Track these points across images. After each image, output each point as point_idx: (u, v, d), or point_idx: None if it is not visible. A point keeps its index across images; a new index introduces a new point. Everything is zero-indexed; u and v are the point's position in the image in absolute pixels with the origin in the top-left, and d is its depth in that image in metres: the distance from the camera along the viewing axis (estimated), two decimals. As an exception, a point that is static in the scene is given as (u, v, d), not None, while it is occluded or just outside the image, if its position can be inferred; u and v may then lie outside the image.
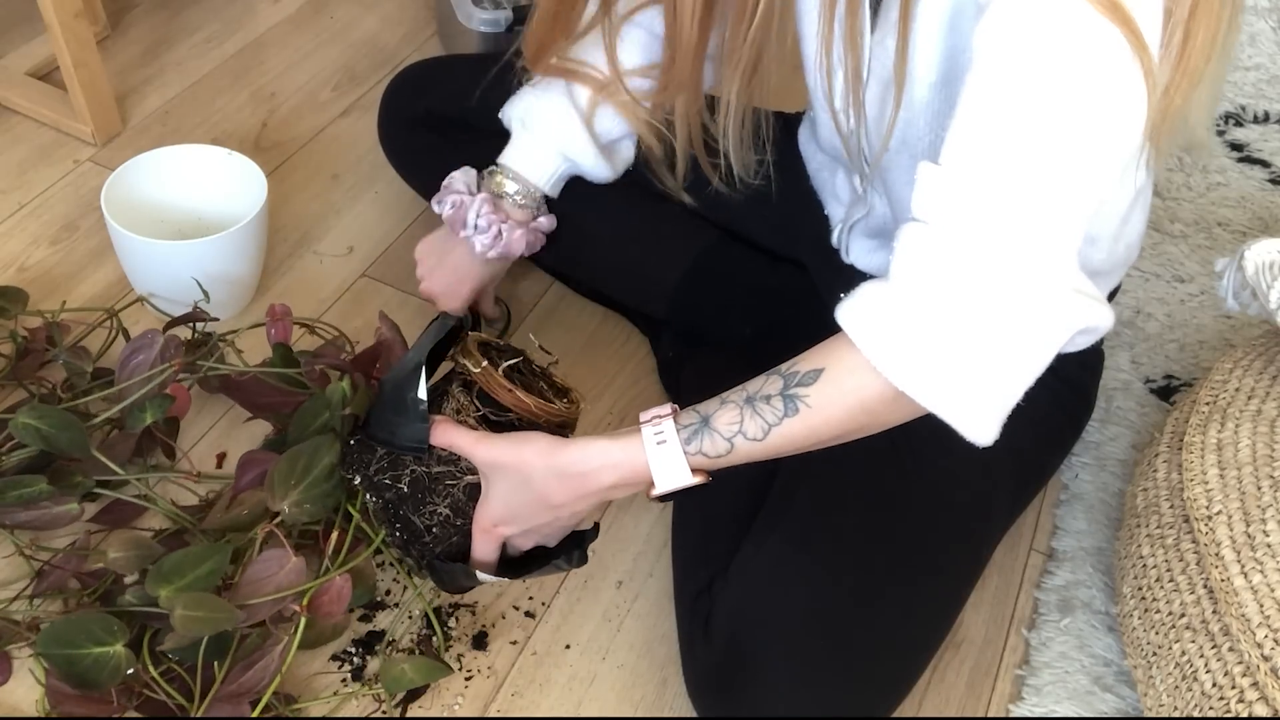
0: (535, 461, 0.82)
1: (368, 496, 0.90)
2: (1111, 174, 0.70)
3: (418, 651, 0.97)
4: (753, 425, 0.77)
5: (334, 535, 0.93)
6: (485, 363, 0.88)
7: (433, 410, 0.88)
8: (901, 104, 0.82)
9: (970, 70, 0.70)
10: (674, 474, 0.79)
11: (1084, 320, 0.72)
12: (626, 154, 1.09)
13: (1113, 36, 0.65)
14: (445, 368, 0.94)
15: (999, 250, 0.69)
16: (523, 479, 0.83)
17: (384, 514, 0.90)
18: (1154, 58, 0.66)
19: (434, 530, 0.89)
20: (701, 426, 0.78)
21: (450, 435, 0.85)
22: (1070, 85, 0.66)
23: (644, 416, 0.81)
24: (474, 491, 0.87)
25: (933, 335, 0.70)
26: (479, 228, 1.07)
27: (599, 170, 1.08)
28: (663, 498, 0.81)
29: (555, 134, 1.05)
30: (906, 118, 0.84)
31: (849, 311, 0.73)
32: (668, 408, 0.81)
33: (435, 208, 1.10)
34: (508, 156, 1.08)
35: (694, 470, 0.79)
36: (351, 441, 0.92)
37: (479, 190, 1.08)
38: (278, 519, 0.91)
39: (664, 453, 0.79)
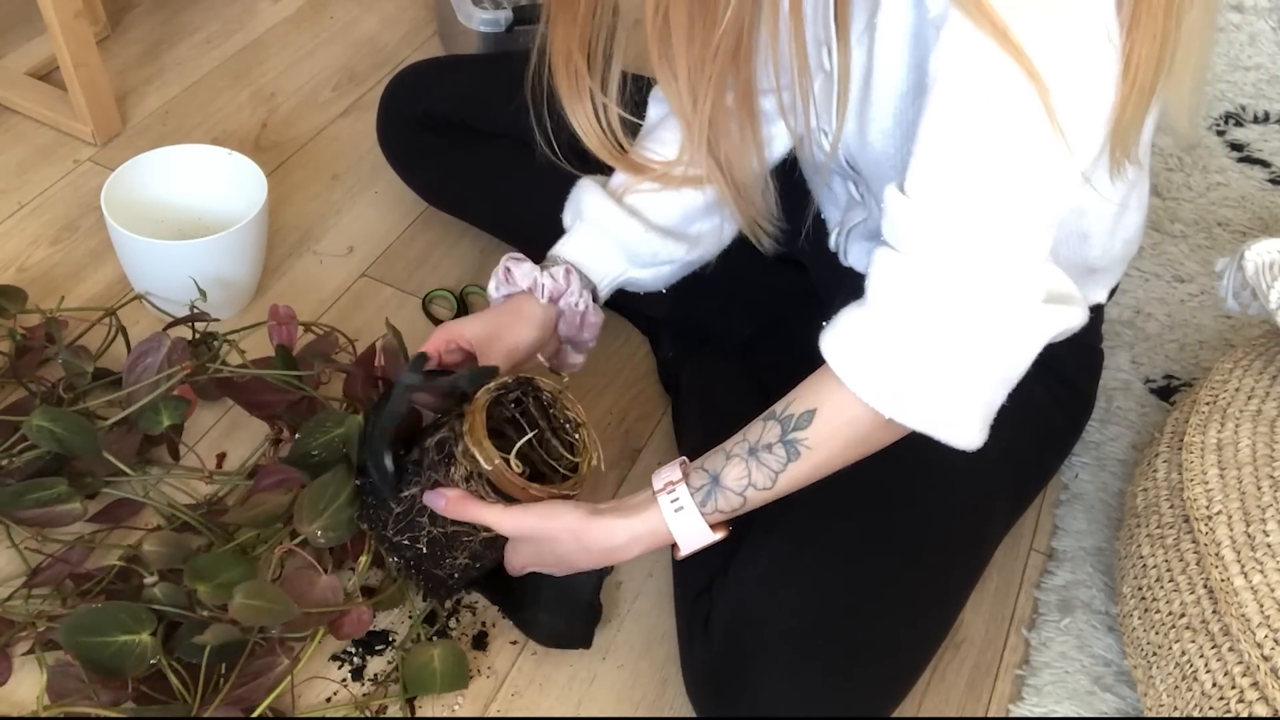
0: (564, 537, 0.86)
1: (390, 558, 0.93)
2: (1061, 189, 0.72)
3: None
4: (760, 475, 0.81)
5: (363, 558, 0.97)
6: (498, 459, 0.84)
7: (439, 468, 0.87)
8: (871, 116, 0.83)
9: (926, 101, 0.72)
10: (696, 536, 0.84)
11: (1054, 329, 0.76)
12: (708, 230, 1.02)
13: (1016, 72, 0.67)
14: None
15: (968, 273, 0.72)
16: (550, 547, 0.88)
17: (406, 570, 0.93)
18: (1050, 89, 0.67)
19: (455, 576, 0.93)
20: (713, 486, 0.82)
21: (472, 511, 0.86)
22: (1003, 116, 0.69)
23: (656, 484, 0.85)
24: (490, 542, 0.90)
25: (912, 360, 0.74)
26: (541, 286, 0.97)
27: (658, 260, 1.01)
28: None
29: (614, 229, 0.99)
30: (880, 128, 0.84)
31: (832, 345, 0.77)
32: (677, 470, 0.85)
33: (492, 291, 0.99)
34: (564, 248, 1.00)
35: (713, 527, 0.83)
36: (361, 486, 0.94)
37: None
38: (298, 539, 0.94)
39: (683, 519, 0.83)
